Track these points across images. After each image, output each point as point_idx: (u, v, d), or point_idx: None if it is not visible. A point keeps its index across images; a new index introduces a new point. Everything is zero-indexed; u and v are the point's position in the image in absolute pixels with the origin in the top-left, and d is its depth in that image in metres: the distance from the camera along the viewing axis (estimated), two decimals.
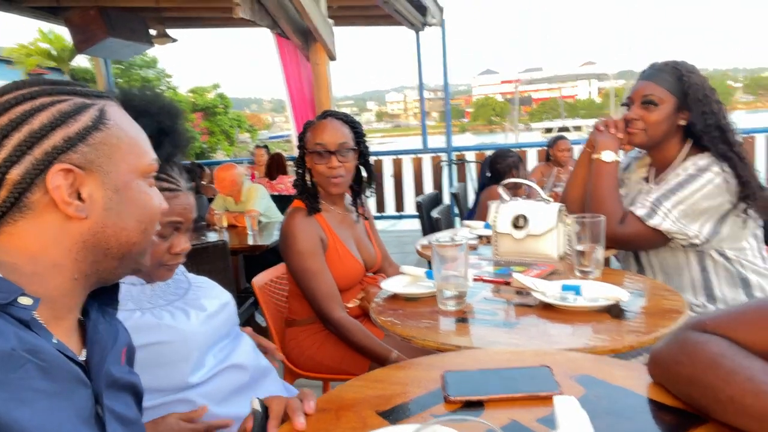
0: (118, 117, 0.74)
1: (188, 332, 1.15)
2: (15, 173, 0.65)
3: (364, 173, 1.93)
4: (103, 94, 0.75)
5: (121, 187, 0.72)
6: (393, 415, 0.82)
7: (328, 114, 1.90)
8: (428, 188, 7.08)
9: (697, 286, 1.70)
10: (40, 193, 0.66)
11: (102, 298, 0.78)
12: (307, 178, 1.87)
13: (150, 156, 0.77)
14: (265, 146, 5.68)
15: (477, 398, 0.83)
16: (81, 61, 15.30)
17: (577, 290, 1.31)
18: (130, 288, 1.17)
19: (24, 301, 0.64)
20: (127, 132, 0.74)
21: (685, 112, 1.68)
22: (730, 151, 1.59)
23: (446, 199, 5.74)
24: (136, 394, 0.83)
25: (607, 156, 1.77)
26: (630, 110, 1.74)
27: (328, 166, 1.78)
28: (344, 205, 1.95)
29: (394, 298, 1.46)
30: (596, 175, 1.77)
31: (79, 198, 0.69)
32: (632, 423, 0.76)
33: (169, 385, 1.11)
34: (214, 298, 1.28)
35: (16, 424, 0.58)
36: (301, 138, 1.88)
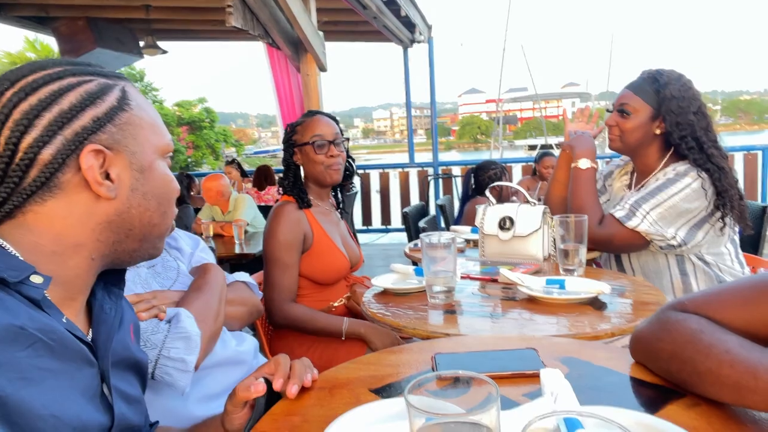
0: (138, 97, 0.76)
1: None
2: (47, 153, 0.66)
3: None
4: (120, 75, 0.77)
5: (146, 168, 0.74)
6: (385, 392, 0.85)
7: (315, 112, 1.98)
8: (414, 202, 7.13)
9: (677, 288, 1.75)
10: (71, 173, 0.68)
11: (108, 278, 0.79)
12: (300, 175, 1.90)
13: (167, 136, 0.78)
14: (234, 161, 5.41)
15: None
16: None
17: (561, 284, 1.36)
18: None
19: (35, 279, 0.65)
20: (148, 112, 0.76)
21: (662, 122, 1.74)
22: (708, 162, 1.65)
23: (432, 212, 5.79)
24: (141, 372, 0.85)
25: (583, 164, 1.84)
26: (610, 117, 1.83)
27: (328, 155, 1.85)
28: (329, 201, 2.00)
29: (384, 293, 1.49)
30: (574, 182, 1.84)
31: (108, 178, 0.70)
32: (613, 396, 0.80)
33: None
34: None
35: (24, 404, 0.59)
36: (289, 138, 1.92)
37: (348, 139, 1.96)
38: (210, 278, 1.29)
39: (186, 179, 5.17)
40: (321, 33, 4.38)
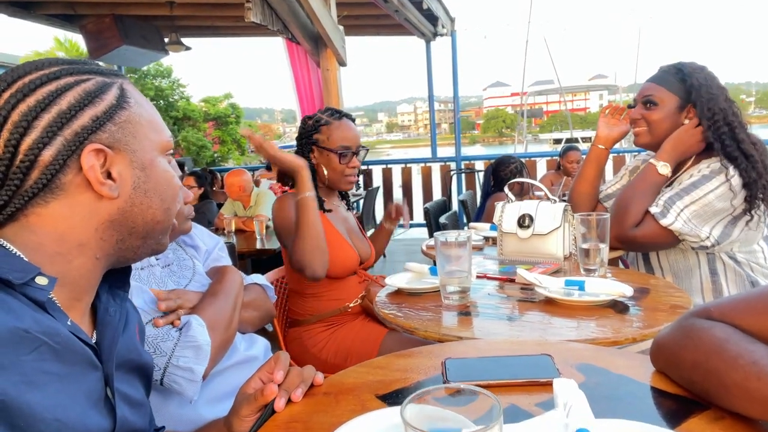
0: (137, 95, 0.75)
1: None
2: (47, 155, 0.65)
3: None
4: (117, 73, 0.76)
5: (147, 165, 0.73)
6: (392, 398, 0.82)
7: (341, 115, 1.93)
8: (437, 196, 7.08)
9: (706, 288, 1.69)
10: (72, 173, 0.67)
11: (112, 280, 0.79)
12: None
13: (167, 132, 0.77)
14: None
15: (476, 384, 0.83)
16: None
17: (580, 285, 1.31)
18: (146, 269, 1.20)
19: (40, 281, 0.64)
20: (146, 109, 0.75)
21: (690, 112, 1.68)
22: (737, 149, 1.58)
23: (455, 207, 5.74)
24: (146, 375, 0.84)
25: (663, 169, 1.70)
26: (634, 111, 1.76)
27: (350, 165, 1.84)
28: (336, 197, 1.99)
29: (398, 293, 1.46)
30: (643, 178, 1.72)
31: (110, 177, 0.69)
32: (631, 408, 0.76)
33: None
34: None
35: (28, 407, 0.58)
36: (310, 134, 1.88)
37: (367, 149, 1.94)
38: (227, 284, 1.28)
39: (209, 175, 5.20)
40: (341, 27, 4.35)
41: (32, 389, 0.59)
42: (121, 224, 0.72)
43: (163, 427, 0.96)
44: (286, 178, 1.85)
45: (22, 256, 0.65)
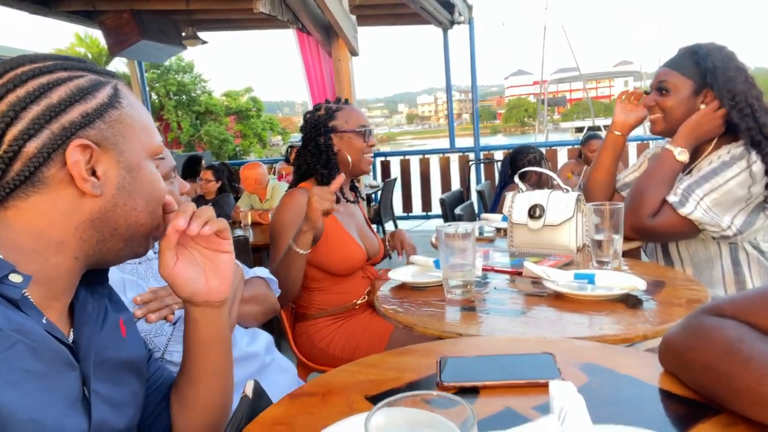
0: (130, 97, 0.74)
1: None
2: (32, 146, 0.64)
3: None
4: (113, 73, 0.75)
5: (134, 167, 0.72)
6: (382, 400, 0.78)
7: (348, 102, 1.97)
8: (455, 187, 7.00)
9: (729, 280, 1.61)
10: (56, 168, 0.66)
11: (91, 276, 0.77)
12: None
13: (157, 138, 0.77)
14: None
15: (471, 384, 0.79)
16: (117, 65, 15.75)
17: (590, 279, 1.24)
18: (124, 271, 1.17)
19: (15, 278, 0.63)
20: (139, 111, 0.74)
21: (708, 96, 1.60)
22: (759, 133, 1.50)
23: (473, 197, 5.67)
24: (135, 369, 0.81)
25: (681, 155, 1.61)
26: (648, 98, 1.69)
27: (369, 144, 1.88)
28: (348, 191, 1.96)
29: (402, 287, 1.42)
30: (660, 165, 1.65)
31: (95, 175, 0.68)
32: (637, 412, 0.70)
33: None
34: None
35: (5, 407, 0.56)
36: (326, 122, 1.85)
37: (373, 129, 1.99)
38: None
39: (225, 169, 5.22)
40: (353, 17, 4.29)
41: (8, 388, 0.58)
42: (103, 224, 0.70)
43: None
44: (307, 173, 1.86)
45: None
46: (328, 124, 1.85)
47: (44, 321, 0.65)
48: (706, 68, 1.58)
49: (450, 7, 6.76)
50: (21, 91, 0.65)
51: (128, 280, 1.14)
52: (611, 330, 1.03)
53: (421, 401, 0.55)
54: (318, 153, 1.84)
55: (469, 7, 7.31)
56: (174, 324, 1.09)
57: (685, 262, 1.68)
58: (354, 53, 4.42)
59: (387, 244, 2.10)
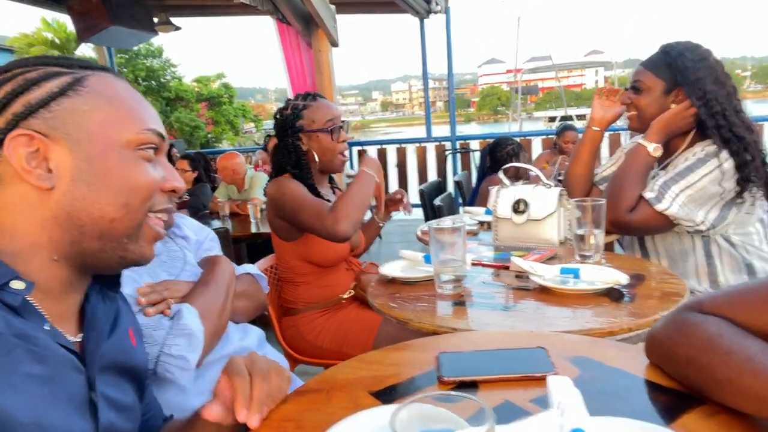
0: (101, 86, 0.70)
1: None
2: None
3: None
4: (94, 66, 0.72)
5: (96, 157, 0.68)
6: (386, 395, 0.81)
7: (317, 95, 1.89)
8: (432, 177, 7.04)
9: (701, 272, 1.69)
10: (4, 162, 0.65)
11: (103, 280, 0.77)
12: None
13: (138, 126, 0.71)
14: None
15: (471, 379, 0.83)
16: (85, 50, 15.29)
17: (575, 273, 1.30)
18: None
19: (16, 285, 0.62)
20: (110, 100, 0.70)
21: (679, 95, 1.67)
22: (728, 131, 1.57)
23: (450, 188, 5.72)
24: (137, 378, 0.82)
25: (656, 151, 1.68)
26: (625, 96, 1.77)
27: (339, 140, 1.81)
28: (328, 187, 1.96)
29: (392, 282, 1.45)
30: (634, 161, 1.71)
31: (48, 168, 0.66)
32: (626, 403, 0.75)
33: None
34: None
35: (8, 411, 0.57)
36: (293, 122, 1.81)
37: (348, 122, 1.91)
38: (218, 273, 1.26)
39: (201, 158, 5.15)
40: (332, 6, 4.27)
41: (11, 392, 0.58)
42: (67, 221, 0.67)
43: (172, 416, 0.95)
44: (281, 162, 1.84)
45: None
46: (295, 124, 1.80)
47: (47, 327, 0.65)
48: (677, 68, 1.65)
49: None
50: None
51: (125, 275, 1.15)
52: (597, 323, 1.08)
53: (435, 399, 0.58)
54: (288, 153, 1.82)
55: None
56: (172, 318, 1.11)
57: (661, 255, 1.76)
58: (334, 44, 4.39)
59: (376, 217, 2.02)
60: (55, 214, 0.67)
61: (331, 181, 2.02)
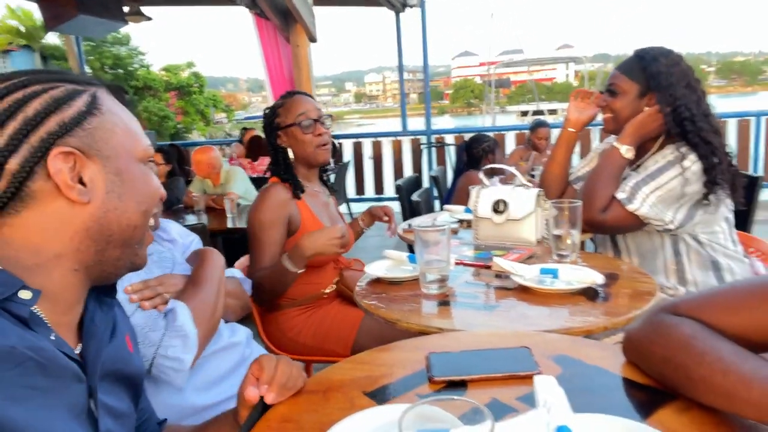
0: (110, 103, 0.74)
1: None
2: (14, 162, 0.64)
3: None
4: (92, 80, 0.74)
5: (123, 170, 0.72)
6: (380, 395, 0.85)
7: (294, 93, 1.94)
8: (408, 171, 7.09)
9: (670, 269, 1.76)
10: (42, 180, 0.66)
11: (100, 287, 0.78)
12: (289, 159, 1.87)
13: (144, 141, 0.77)
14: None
15: (460, 378, 0.87)
16: (51, 38, 14.83)
17: (554, 273, 1.35)
18: None
19: (24, 295, 0.64)
20: (121, 117, 0.74)
21: (652, 99, 1.73)
22: (696, 137, 1.64)
23: (426, 183, 5.77)
24: (133, 385, 0.83)
25: (628, 153, 1.74)
26: (600, 98, 1.83)
27: (315, 134, 1.83)
28: (317, 181, 1.98)
29: (377, 281, 1.49)
30: (608, 162, 1.77)
31: (82, 183, 0.68)
32: (606, 400, 0.80)
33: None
34: None
35: (11, 424, 0.58)
36: (271, 121, 1.88)
37: (331, 116, 1.93)
38: (208, 268, 1.28)
39: (175, 151, 5.08)
40: (310, 1, 4.25)
41: (15, 405, 0.59)
42: (97, 232, 0.70)
43: (165, 420, 0.97)
44: (257, 152, 1.87)
45: (2, 269, 0.65)
46: (273, 122, 1.87)
47: (53, 337, 0.67)
48: (650, 73, 1.71)
49: None
50: None
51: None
52: (575, 323, 1.14)
53: (437, 401, 0.62)
54: (273, 153, 1.89)
55: None
56: (165, 315, 1.12)
57: (632, 252, 1.83)
58: (312, 39, 4.38)
59: (361, 222, 2.12)
60: (87, 226, 0.69)
61: (323, 174, 2.03)
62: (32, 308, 0.65)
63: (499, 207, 1.73)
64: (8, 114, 0.65)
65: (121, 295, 1.09)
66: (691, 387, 0.74)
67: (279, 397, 0.83)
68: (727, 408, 0.69)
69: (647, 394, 0.80)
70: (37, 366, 0.62)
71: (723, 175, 1.64)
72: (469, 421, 0.64)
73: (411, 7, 7.28)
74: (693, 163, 1.63)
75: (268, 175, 1.94)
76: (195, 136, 24.67)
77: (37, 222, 0.67)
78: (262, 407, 0.82)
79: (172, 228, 1.40)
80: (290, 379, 0.84)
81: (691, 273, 1.73)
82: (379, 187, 7.38)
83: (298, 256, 1.68)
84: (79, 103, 0.70)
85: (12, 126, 0.65)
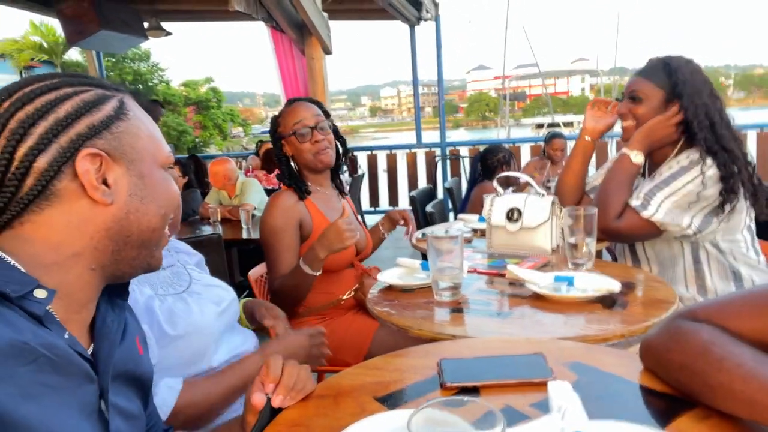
0: (136, 109, 0.76)
1: (203, 324, 1.18)
2: (42, 161, 0.66)
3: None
4: (119, 87, 0.76)
5: (146, 174, 0.74)
6: (390, 400, 0.84)
7: (293, 100, 1.97)
8: (422, 183, 7.09)
9: (690, 277, 1.73)
10: (67, 180, 0.67)
11: (112, 288, 0.79)
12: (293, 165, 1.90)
13: (166, 148, 0.79)
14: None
15: (472, 384, 0.85)
16: (73, 54, 15.18)
17: (569, 281, 1.33)
18: None
19: (39, 293, 0.64)
20: (146, 124, 0.76)
21: (676, 106, 1.71)
22: (716, 144, 1.62)
23: (440, 194, 5.76)
24: (143, 387, 0.84)
25: (636, 158, 1.73)
26: (621, 105, 1.79)
27: (312, 141, 1.85)
28: (329, 185, 1.99)
29: (390, 289, 1.48)
30: (618, 168, 1.75)
31: (106, 184, 0.70)
32: (622, 407, 0.78)
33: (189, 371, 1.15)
34: (224, 292, 1.32)
35: (23, 419, 0.58)
36: (274, 131, 1.92)
37: (329, 117, 1.94)
38: (237, 371, 1.19)
39: (193, 163, 5.14)
40: (325, 14, 4.30)
41: (28, 401, 0.59)
42: (117, 233, 0.71)
43: (171, 427, 0.97)
44: (272, 164, 1.89)
45: (20, 267, 0.65)
46: (276, 132, 1.91)
47: (66, 336, 0.67)
48: (677, 80, 1.68)
49: (417, 5, 6.82)
50: (30, 108, 0.67)
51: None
52: (591, 330, 1.12)
53: (442, 404, 0.61)
54: (279, 161, 1.92)
55: (436, 5, 7.39)
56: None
57: (651, 261, 1.80)
58: (327, 51, 4.42)
59: (381, 228, 2.11)
60: (108, 226, 0.71)
61: (335, 178, 2.03)
62: (48, 307, 0.65)
63: (513, 215, 1.71)
64: (40, 114, 0.67)
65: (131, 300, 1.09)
66: (710, 394, 0.72)
67: (287, 401, 0.82)
68: (747, 416, 0.67)
69: (665, 402, 0.78)
70: (50, 363, 0.62)
71: (743, 185, 1.61)
72: (482, 426, 0.63)
73: (426, 20, 7.33)
74: (709, 168, 1.61)
75: (283, 187, 1.96)
76: (212, 150, 24.96)
77: (59, 221, 0.68)
78: (270, 412, 0.81)
79: (180, 246, 1.40)
80: (299, 382, 0.84)
81: (712, 282, 1.70)
82: (393, 199, 7.39)
83: (313, 258, 1.69)
84: (108, 108, 0.71)
85: (43, 126, 0.67)
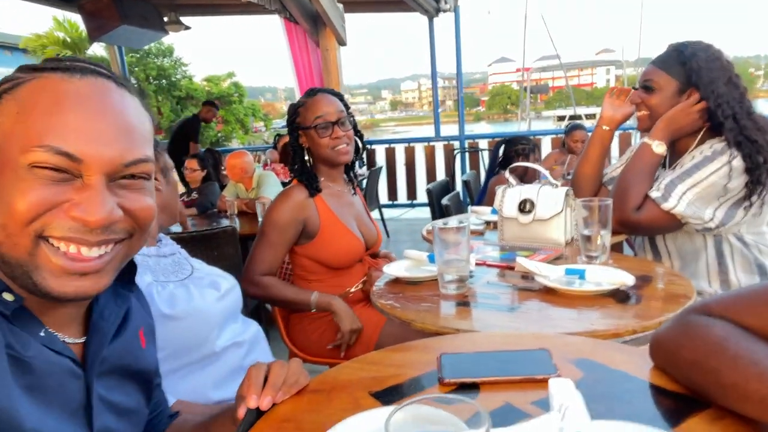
0: (30, 92, 0.62)
1: (204, 308, 1.20)
2: None
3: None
4: (46, 67, 0.64)
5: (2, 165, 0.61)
6: (386, 396, 0.80)
7: (316, 90, 1.90)
8: (440, 176, 7.04)
9: (713, 272, 1.66)
10: None
11: (118, 278, 0.72)
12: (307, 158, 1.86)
13: (36, 141, 0.60)
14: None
15: (472, 380, 0.82)
16: (97, 49, 15.40)
17: (581, 274, 1.28)
18: (146, 259, 1.19)
19: (7, 297, 0.62)
20: (24, 110, 0.61)
21: (692, 95, 1.64)
22: (740, 134, 1.55)
23: (458, 187, 5.70)
24: (144, 381, 0.81)
25: (658, 148, 1.67)
26: (634, 95, 1.74)
27: (332, 137, 1.79)
28: (342, 181, 1.94)
29: (396, 281, 1.44)
30: (639, 158, 1.69)
31: None
32: (630, 407, 0.74)
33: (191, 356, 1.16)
34: (223, 280, 1.32)
35: (14, 412, 0.57)
36: (292, 120, 1.86)
37: (353, 116, 1.89)
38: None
39: (211, 157, 5.17)
40: (340, 6, 4.26)
41: (18, 399, 0.58)
42: None
43: (177, 413, 0.95)
44: (290, 157, 1.87)
45: None
46: (294, 122, 1.85)
47: (42, 333, 0.65)
48: (690, 68, 1.62)
49: None
50: None
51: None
52: (601, 325, 1.07)
53: (432, 401, 0.57)
54: (293, 152, 1.87)
55: None
56: None
57: (672, 255, 1.74)
58: (342, 43, 4.39)
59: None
60: None
61: (349, 179, 1.98)
62: (22, 304, 0.63)
63: (525, 207, 1.66)
64: None
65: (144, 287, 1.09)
66: (723, 394, 0.67)
67: (280, 397, 0.79)
68: (762, 417, 0.62)
69: (676, 402, 0.74)
70: (19, 364, 0.61)
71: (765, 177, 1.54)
72: (476, 425, 0.59)
73: (444, 12, 7.24)
74: (734, 158, 1.54)
75: (294, 181, 1.92)
76: (234, 144, 25.17)
77: None
78: (257, 411, 0.78)
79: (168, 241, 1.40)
80: (289, 376, 0.80)
81: (736, 276, 1.63)
82: (411, 193, 7.35)
83: (327, 305, 1.76)
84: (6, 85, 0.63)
85: None
